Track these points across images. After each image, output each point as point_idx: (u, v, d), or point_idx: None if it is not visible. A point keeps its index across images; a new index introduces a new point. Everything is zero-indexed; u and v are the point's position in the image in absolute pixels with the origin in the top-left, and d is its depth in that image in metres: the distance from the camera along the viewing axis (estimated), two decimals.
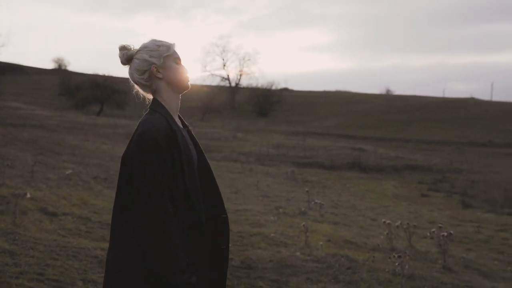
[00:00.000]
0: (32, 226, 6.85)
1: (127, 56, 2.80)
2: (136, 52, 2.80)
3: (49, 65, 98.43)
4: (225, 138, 37.40)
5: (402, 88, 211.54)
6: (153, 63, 2.76)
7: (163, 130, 2.63)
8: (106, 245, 6.35)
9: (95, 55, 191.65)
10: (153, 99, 2.81)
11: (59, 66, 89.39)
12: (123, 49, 2.81)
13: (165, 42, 2.82)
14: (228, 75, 79.97)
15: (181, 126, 2.85)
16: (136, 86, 2.86)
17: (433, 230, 7.74)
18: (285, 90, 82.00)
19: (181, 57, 2.85)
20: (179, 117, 2.89)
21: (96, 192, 12.06)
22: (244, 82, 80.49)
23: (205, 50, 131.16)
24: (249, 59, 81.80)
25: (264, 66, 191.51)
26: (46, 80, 76.77)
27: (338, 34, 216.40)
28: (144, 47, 2.79)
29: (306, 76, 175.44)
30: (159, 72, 2.77)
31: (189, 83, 2.87)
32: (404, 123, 58.31)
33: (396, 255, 6.25)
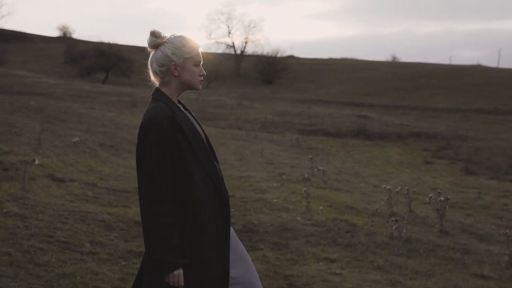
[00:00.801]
0: (41, 192, 7.06)
1: (154, 43, 2.98)
2: (163, 43, 2.98)
3: (54, 33, 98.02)
4: (230, 106, 37.46)
5: (408, 55, 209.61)
6: (173, 60, 2.94)
7: (166, 116, 2.84)
8: (112, 209, 6.57)
9: (101, 22, 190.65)
10: (157, 88, 3.01)
11: (64, 34, 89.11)
12: (153, 35, 2.98)
13: (191, 43, 2.99)
14: (233, 43, 79.69)
15: (183, 109, 3.03)
16: (149, 70, 3.03)
17: (430, 195, 7.91)
18: (291, 57, 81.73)
19: (201, 59, 3.02)
20: (179, 102, 3.06)
21: (103, 159, 12.26)
22: (249, 50, 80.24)
23: (209, 17, 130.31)
24: (254, 27, 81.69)
25: (269, 34, 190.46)
26: (51, 48, 76.68)
27: (343, 1, 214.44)
28: (171, 42, 2.96)
29: (312, 43, 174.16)
30: (176, 70, 2.95)
31: (201, 85, 3.07)
32: (410, 91, 58.17)
33: (393, 219, 6.43)
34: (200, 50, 3.05)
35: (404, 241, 6.30)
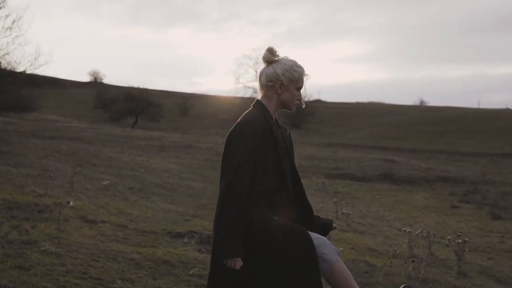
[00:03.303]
0: (75, 232, 7.43)
1: (268, 59, 3.37)
2: (276, 61, 3.37)
3: (86, 78, 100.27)
4: None
5: (436, 99, 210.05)
6: (280, 80, 3.32)
7: (259, 121, 3.24)
8: (142, 249, 6.89)
9: (131, 67, 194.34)
10: (258, 100, 3.42)
11: (95, 79, 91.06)
12: (269, 51, 3.37)
13: (301, 69, 3.37)
14: None
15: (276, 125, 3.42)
16: (258, 82, 3.43)
17: (449, 237, 8.10)
18: (318, 101, 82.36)
19: (303, 86, 3.41)
20: (276, 120, 3.44)
21: (132, 202, 12.64)
22: None
23: (237, 62, 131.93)
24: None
25: None
26: (82, 93, 78.37)
27: (372, 45, 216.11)
28: (283, 63, 3.34)
29: (339, 87, 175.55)
30: (280, 88, 3.34)
31: (294, 108, 3.44)
32: (438, 135, 58.08)
33: (411, 260, 6.65)
34: (305, 78, 3.40)
35: (421, 281, 6.50)
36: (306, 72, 3.39)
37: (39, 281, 4.72)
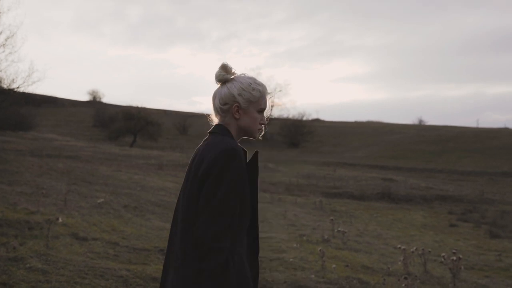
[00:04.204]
0: (64, 249, 7.33)
1: (222, 78, 2.75)
2: (231, 80, 2.76)
3: (84, 97, 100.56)
4: None
5: (435, 118, 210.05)
6: (237, 102, 2.72)
7: (240, 150, 2.66)
8: (131, 266, 6.78)
9: (130, 87, 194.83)
10: (220, 124, 2.77)
11: (94, 98, 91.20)
12: (223, 68, 2.75)
13: (262, 87, 2.78)
14: None
15: None
16: (211, 105, 2.82)
17: (443, 254, 8.00)
18: (316, 120, 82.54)
19: (267, 107, 2.81)
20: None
21: (126, 220, 12.53)
22: (275, 113, 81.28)
23: None
24: (280, 90, 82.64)
25: (296, 97, 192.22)
26: (81, 112, 78.43)
27: (370, 65, 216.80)
28: (240, 82, 2.74)
29: (338, 107, 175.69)
30: (238, 113, 2.74)
31: (259, 135, 2.83)
32: (436, 154, 58.05)
33: (403, 277, 6.55)
34: (268, 97, 2.82)
35: None
36: (268, 90, 2.82)
37: None
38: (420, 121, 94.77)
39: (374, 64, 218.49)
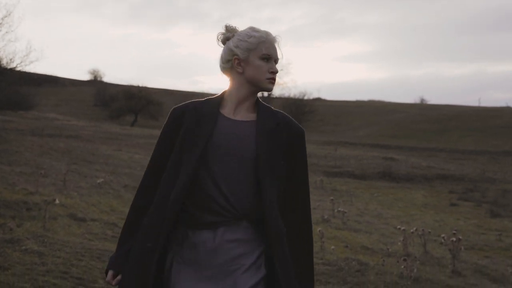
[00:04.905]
0: (61, 230, 7.29)
1: (223, 37, 2.63)
2: (231, 37, 2.61)
3: (85, 76, 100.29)
4: None
5: (437, 97, 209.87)
6: (236, 54, 2.55)
7: (179, 108, 2.60)
8: None
9: (132, 66, 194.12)
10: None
11: (95, 77, 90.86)
12: (225, 29, 2.63)
13: (259, 33, 2.57)
14: None
15: (235, 117, 2.57)
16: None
17: (443, 235, 7.96)
18: (318, 99, 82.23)
19: (274, 53, 2.58)
20: (260, 108, 2.62)
21: (126, 200, 12.49)
22: (276, 92, 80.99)
23: None
24: (281, 69, 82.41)
25: (297, 77, 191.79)
26: (82, 91, 78.22)
27: (372, 44, 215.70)
28: (238, 34, 2.58)
29: (340, 86, 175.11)
30: (239, 66, 2.55)
31: (272, 85, 2.58)
32: (438, 133, 57.92)
33: (403, 259, 6.51)
34: (273, 42, 2.58)
35: (413, 280, 6.37)
36: (270, 35, 2.58)
37: (16, 281, 4.58)
38: (422, 100, 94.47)
39: (376, 43, 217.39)
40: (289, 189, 2.59)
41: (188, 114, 2.55)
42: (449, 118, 66.18)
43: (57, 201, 8.55)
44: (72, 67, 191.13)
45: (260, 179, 2.46)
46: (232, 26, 2.62)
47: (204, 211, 2.46)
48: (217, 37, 2.64)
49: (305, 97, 75.45)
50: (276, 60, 2.59)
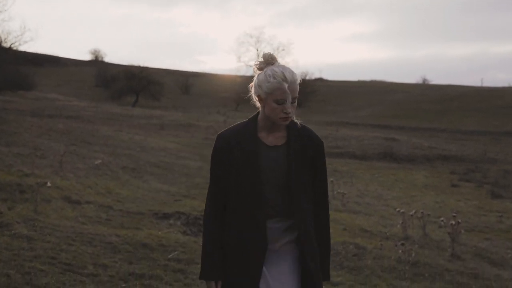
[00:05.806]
0: (53, 214, 7.17)
1: (258, 67, 2.97)
2: (264, 70, 2.92)
3: (86, 56, 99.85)
4: None
5: (439, 77, 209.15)
6: (258, 92, 2.92)
7: (223, 136, 2.99)
8: (122, 231, 6.63)
9: (133, 46, 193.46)
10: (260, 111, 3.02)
11: (96, 57, 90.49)
12: (263, 57, 2.95)
13: (277, 79, 2.85)
14: None
15: (269, 142, 3.00)
16: None
17: (442, 218, 7.83)
18: (320, 80, 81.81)
19: (288, 97, 2.87)
20: (290, 131, 3.04)
21: (123, 182, 12.37)
22: None
23: (239, 40, 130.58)
24: (283, 50, 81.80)
25: (299, 56, 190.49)
26: (83, 72, 77.92)
27: (375, 24, 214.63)
28: (263, 73, 2.90)
29: (342, 66, 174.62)
30: (261, 103, 2.94)
31: (285, 121, 2.93)
32: (440, 113, 57.66)
33: (401, 243, 6.38)
34: (291, 86, 2.88)
35: (411, 265, 6.24)
36: (286, 81, 2.86)
37: (1, 267, 4.46)
38: (424, 80, 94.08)
39: (379, 23, 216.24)
40: (313, 198, 3.04)
41: (233, 141, 2.97)
42: (451, 98, 65.89)
43: (48, 184, 8.40)
44: (73, 47, 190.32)
45: (294, 200, 2.91)
46: (269, 57, 2.93)
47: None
48: (255, 63, 2.99)
49: (307, 77, 75.01)
50: (293, 99, 2.92)
